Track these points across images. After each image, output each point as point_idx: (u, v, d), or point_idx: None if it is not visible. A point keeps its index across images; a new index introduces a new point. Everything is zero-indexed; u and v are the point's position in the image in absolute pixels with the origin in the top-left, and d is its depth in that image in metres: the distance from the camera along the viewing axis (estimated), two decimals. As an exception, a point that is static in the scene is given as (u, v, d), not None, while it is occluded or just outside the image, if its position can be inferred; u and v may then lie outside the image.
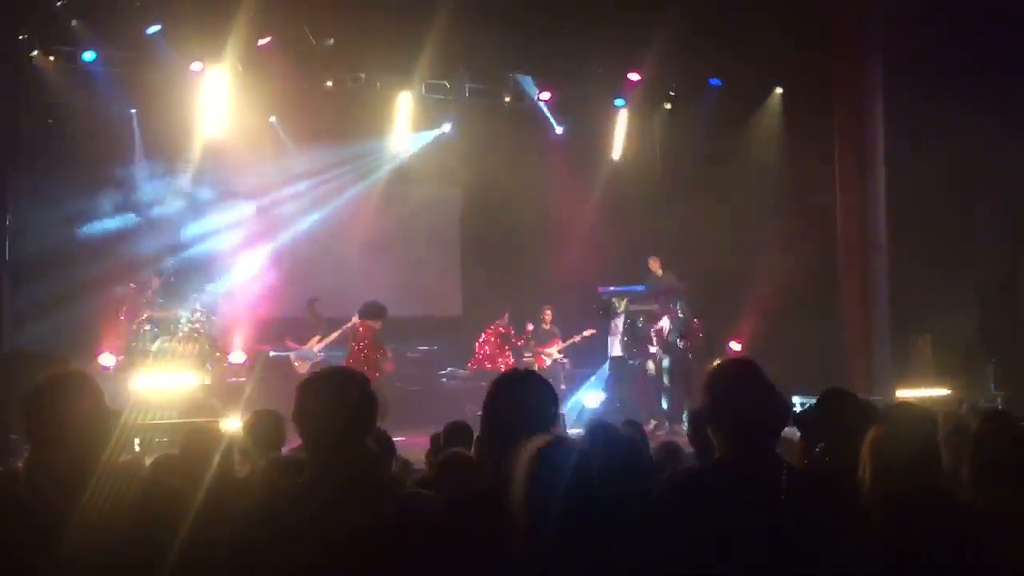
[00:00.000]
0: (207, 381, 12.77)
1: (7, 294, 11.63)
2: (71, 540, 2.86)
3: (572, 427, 13.05)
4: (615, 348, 13.99)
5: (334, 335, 13.38)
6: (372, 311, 12.17)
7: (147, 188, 14.24)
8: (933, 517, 3.21)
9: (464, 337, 16.04)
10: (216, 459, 5.23)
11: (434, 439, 6.44)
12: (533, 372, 3.44)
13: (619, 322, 14.00)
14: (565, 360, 15.19)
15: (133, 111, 14.36)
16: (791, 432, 4.88)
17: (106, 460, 3.03)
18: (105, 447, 3.04)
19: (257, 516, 3.07)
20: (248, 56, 13.84)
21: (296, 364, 13.60)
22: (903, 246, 14.06)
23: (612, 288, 16.11)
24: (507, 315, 15.32)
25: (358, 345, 12.08)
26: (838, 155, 14.78)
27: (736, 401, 3.27)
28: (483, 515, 3.06)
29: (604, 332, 15.07)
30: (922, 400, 11.12)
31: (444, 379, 15.23)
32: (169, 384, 12.07)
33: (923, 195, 13.77)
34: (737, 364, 3.50)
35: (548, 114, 16.49)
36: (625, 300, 13.91)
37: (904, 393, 12.14)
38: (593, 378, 15.04)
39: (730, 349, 14.83)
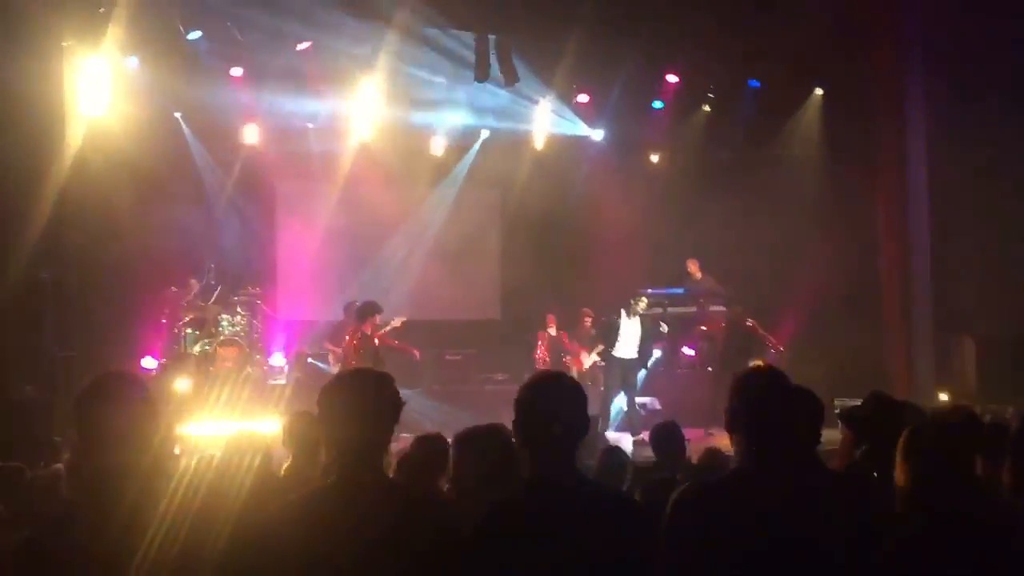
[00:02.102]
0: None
1: (50, 298, 11.75)
2: (113, 539, 2.89)
3: (612, 431, 13.05)
4: (626, 350, 13.73)
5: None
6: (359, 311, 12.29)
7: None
8: (968, 518, 3.16)
9: (503, 340, 16.06)
10: (256, 461, 5.27)
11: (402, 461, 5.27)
12: (563, 375, 3.38)
13: (634, 323, 13.77)
14: (604, 363, 15.12)
15: (178, 115, 14.51)
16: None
17: (149, 461, 3.05)
18: (150, 448, 3.07)
19: (285, 519, 3.07)
20: (288, 61, 13.92)
21: (334, 367, 13.63)
22: (946, 247, 13.92)
23: (650, 290, 16.05)
24: (554, 319, 15.17)
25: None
26: (879, 155, 14.66)
27: (756, 409, 3.24)
28: (512, 520, 3.06)
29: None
30: (964, 403, 10.98)
31: (482, 383, 15.23)
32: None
33: (966, 194, 13.61)
34: (758, 372, 3.44)
35: (583, 117, 16.50)
36: (643, 300, 13.69)
37: (946, 396, 12.02)
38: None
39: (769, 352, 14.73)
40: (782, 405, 3.23)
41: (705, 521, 3.07)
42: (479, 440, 4.56)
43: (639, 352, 13.55)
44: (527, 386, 3.24)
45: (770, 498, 3.07)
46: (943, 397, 12.47)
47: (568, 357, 14.88)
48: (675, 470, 6.15)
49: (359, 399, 3.12)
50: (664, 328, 13.91)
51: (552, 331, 15.10)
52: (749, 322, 14.08)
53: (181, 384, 12.67)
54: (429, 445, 5.23)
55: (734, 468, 3.26)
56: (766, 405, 3.21)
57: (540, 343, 15.04)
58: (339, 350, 13.58)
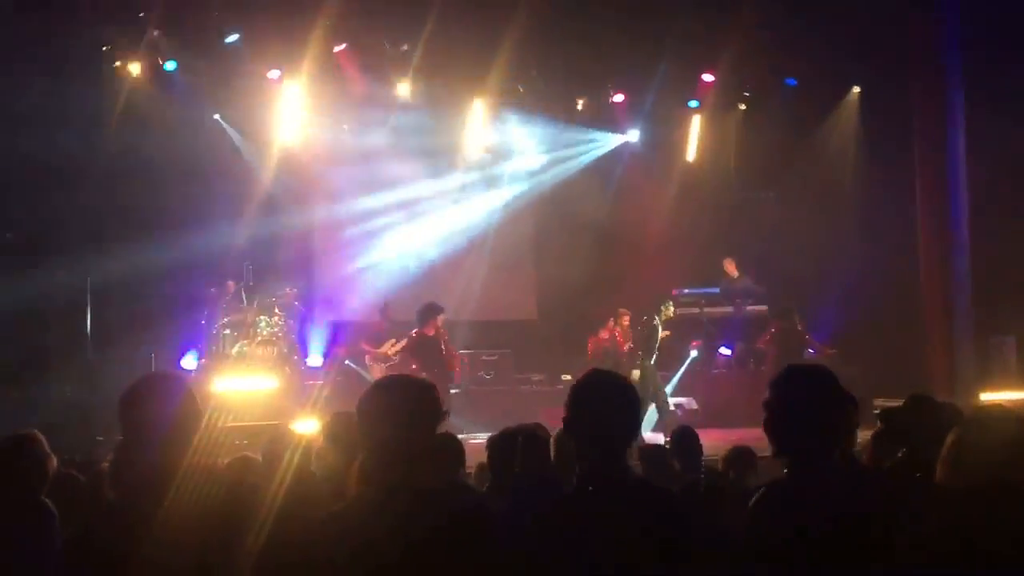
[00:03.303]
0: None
1: (92, 300, 11.90)
2: (155, 538, 2.92)
3: (647, 431, 13.01)
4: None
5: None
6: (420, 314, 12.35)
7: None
8: (1013, 512, 3.12)
9: (539, 341, 16.07)
10: (295, 461, 5.30)
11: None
12: (616, 374, 3.36)
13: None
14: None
15: (216, 116, 14.62)
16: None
17: (191, 460, 3.08)
18: (192, 448, 3.10)
19: (324, 523, 3.08)
20: (324, 63, 14.00)
21: (372, 368, 13.68)
22: (987, 245, 13.76)
23: (687, 291, 16.02)
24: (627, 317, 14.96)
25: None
26: (918, 153, 14.52)
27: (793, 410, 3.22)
28: (564, 518, 3.06)
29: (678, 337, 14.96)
30: (1008, 403, 10.84)
31: (519, 383, 15.23)
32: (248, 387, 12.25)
33: (1007, 193, 13.46)
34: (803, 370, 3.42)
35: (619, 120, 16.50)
36: (670, 306, 13.57)
37: (989, 396, 11.87)
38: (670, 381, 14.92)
39: (808, 353, 14.63)
40: (830, 406, 3.21)
41: (784, 523, 3.07)
42: (512, 440, 4.57)
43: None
44: (581, 383, 3.23)
45: (821, 499, 3.07)
46: (985, 397, 12.30)
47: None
48: (697, 472, 6.15)
49: (399, 406, 3.10)
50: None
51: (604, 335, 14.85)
52: (799, 326, 13.97)
53: (220, 384, 12.76)
54: (439, 443, 5.26)
55: (789, 472, 3.23)
56: (814, 407, 3.19)
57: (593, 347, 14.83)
58: (377, 351, 13.64)
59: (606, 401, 3.16)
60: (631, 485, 3.13)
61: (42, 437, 4.10)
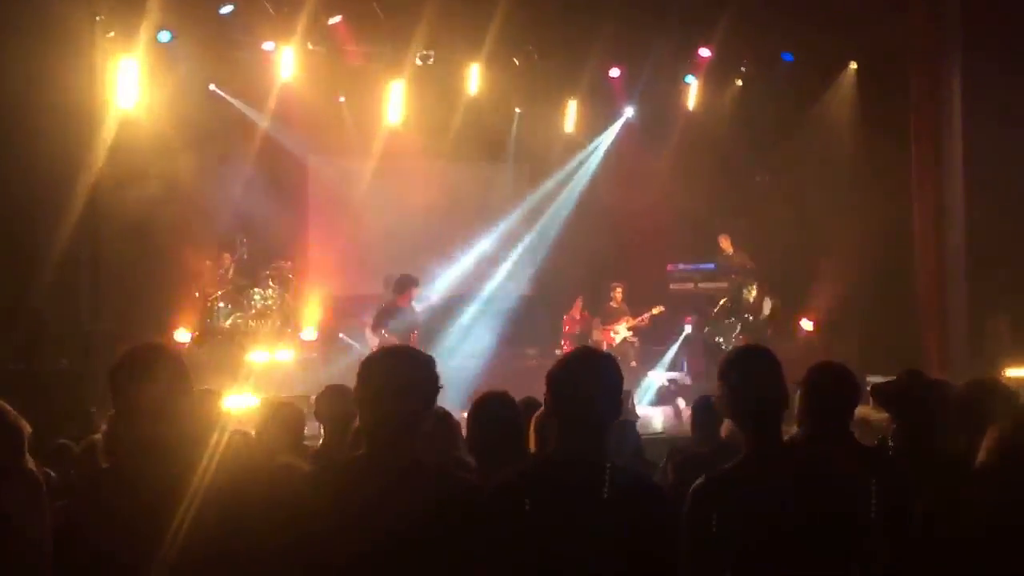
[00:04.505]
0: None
1: (85, 273, 11.87)
2: (146, 507, 2.93)
3: (642, 405, 13.06)
4: None
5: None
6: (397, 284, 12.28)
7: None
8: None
9: (533, 315, 16.08)
10: (289, 433, 5.31)
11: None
12: (597, 350, 3.35)
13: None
14: (635, 338, 15.11)
15: (212, 86, 14.53)
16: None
17: (183, 432, 3.09)
18: (183, 420, 3.10)
19: (311, 489, 3.09)
20: (319, 35, 13.93)
21: (370, 341, 13.67)
22: (981, 222, 13.76)
23: (681, 266, 16.03)
24: (580, 300, 15.21)
25: None
26: (914, 130, 14.50)
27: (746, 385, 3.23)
28: (523, 495, 3.06)
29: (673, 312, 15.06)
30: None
31: (512, 358, 15.24)
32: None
33: (1003, 168, 13.44)
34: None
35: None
36: (754, 287, 13.77)
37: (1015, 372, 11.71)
38: (664, 356, 14.98)
39: (801, 327, 14.69)
40: (770, 386, 3.22)
41: (719, 511, 3.07)
42: (487, 407, 4.59)
43: None
44: (561, 361, 3.21)
45: (783, 479, 3.08)
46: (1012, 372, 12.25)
47: (595, 335, 14.84)
48: (711, 445, 6.15)
49: (396, 375, 3.12)
50: None
51: (577, 315, 15.06)
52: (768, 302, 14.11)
53: (213, 357, 12.77)
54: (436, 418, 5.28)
55: (745, 454, 3.23)
56: (758, 389, 3.20)
57: (567, 326, 15.01)
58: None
59: (583, 377, 3.13)
60: (601, 465, 3.08)
61: (5, 406, 4.07)
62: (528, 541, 2.97)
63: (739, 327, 14.07)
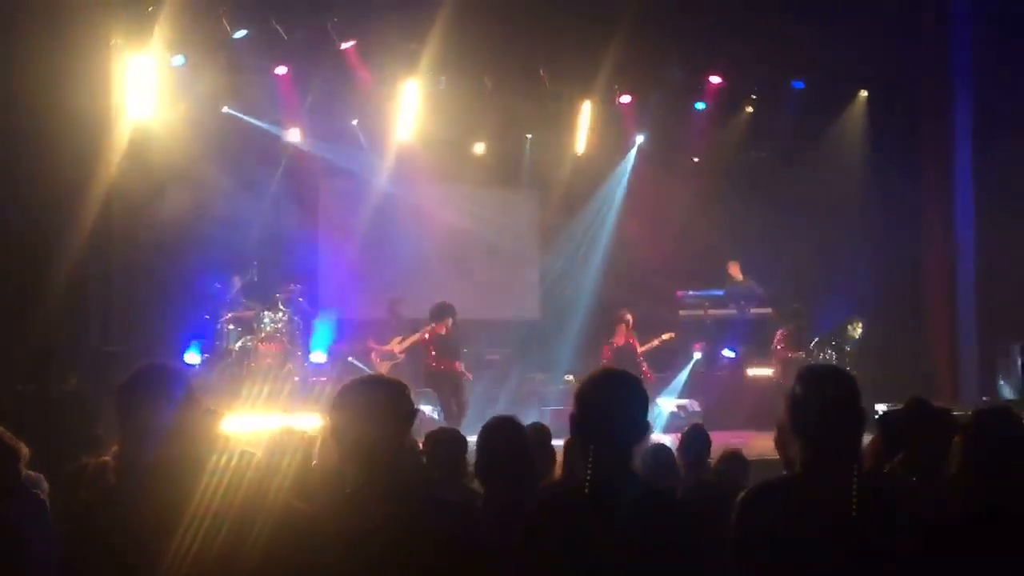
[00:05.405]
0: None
1: (95, 294, 11.91)
2: (152, 528, 2.94)
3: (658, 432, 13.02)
4: None
5: (415, 336, 13.40)
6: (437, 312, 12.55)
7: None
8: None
9: (542, 340, 16.08)
10: (298, 458, 5.31)
11: None
12: (623, 373, 3.27)
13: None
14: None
15: (226, 108, 14.58)
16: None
17: (190, 454, 3.10)
18: (190, 442, 3.11)
19: (299, 525, 3.09)
20: (332, 59, 14.01)
21: (377, 365, 13.69)
22: (992, 250, 13.75)
23: (691, 293, 16.03)
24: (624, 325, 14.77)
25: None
26: (925, 157, 14.53)
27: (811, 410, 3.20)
28: (556, 518, 3.06)
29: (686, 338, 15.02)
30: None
31: (521, 383, 15.22)
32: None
33: (1013, 196, 13.44)
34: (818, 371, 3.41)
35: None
36: (859, 325, 13.77)
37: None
38: (673, 383, 14.93)
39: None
40: (846, 409, 3.20)
41: (770, 520, 3.05)
42: (495, 433, 4.59)
43: None
44: (587, 381, 3.19)
45: (829, 499, 3.05)
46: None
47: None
48: (702, 472, 6.15)
49: (368, 406, 3.09)
50: None
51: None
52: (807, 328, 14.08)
53: (222, 379, 12.78)
54: (441, 440, 5.28)
55: (797, 469, 3.21)
56: (831, 409, 3.16)
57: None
58: (383, 348, 13.66)
59: (609, 399, 3.11)
60: (629, 487, 3.07)
61: (1, 429, 4.09)
62: (561, 566, 2.97)
63: (835, 358, 13.96)
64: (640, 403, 3.14)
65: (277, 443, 5.29)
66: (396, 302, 14.15)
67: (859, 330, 13.94)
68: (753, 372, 14.78)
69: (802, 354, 13.69)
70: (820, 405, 3.13)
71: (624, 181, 17.01)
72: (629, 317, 14.52)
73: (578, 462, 3.19)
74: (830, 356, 13.91)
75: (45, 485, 4.73)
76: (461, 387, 12.68)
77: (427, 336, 12.72)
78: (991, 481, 3.29)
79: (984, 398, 12.88)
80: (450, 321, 12.62)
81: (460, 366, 12.81)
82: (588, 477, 3.07)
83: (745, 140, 16.72)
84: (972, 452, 3.41)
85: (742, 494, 3.16)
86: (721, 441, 7.26)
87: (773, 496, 3.15)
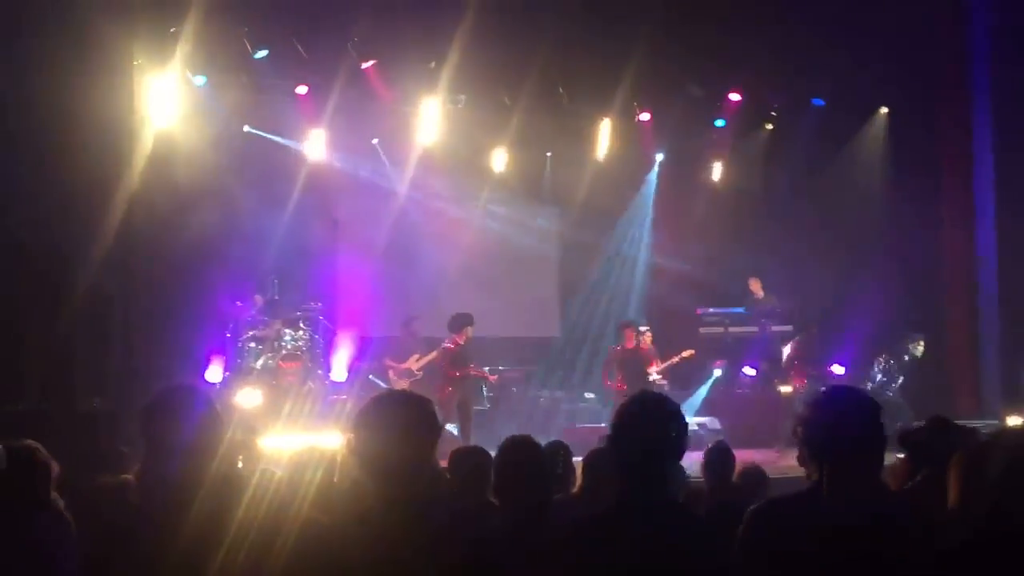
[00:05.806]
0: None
1: (117, 311, 11.97)
2: (179, 549, 2.96)
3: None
4: None
5: (432, 354, 13.43)
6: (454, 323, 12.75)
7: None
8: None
9: (562, 357, 16.08)
10: (319, 475, 5.32)
11: None
12: (662, 396, 3.34)
13: None
14: (664, 381, 15.02)
15: (247, 127, 14.67)
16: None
17: (214, 473, 3.12)
18: (214, 460, 3.13)
19: (322, 538, 3.09)
20: (352, 78, 14.08)
21: (395, 383, 13.72)
22: (1013, 266, 13.68)
23: (711, 310, 15.99)
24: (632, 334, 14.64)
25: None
26: (945, 174, 14.48)
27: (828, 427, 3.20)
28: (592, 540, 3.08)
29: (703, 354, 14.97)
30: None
31: (541, 400, 15.23)
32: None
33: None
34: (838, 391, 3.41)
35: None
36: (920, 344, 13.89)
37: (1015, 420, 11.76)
38: (692, 399, 14.90)
39: (832, 373, 14.57)
40: (861, 426, 3.20)
41: (777, 535, 3.08)
42: (513, 451, 4.59)
43: None
44: (626, 405, 3.23)
45: (838, 515, 3.06)
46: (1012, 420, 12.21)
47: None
48: (727, 491, 6.12)
49: (395, 421, 3.07)
50: None
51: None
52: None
53: (244, 398, 12.83)
54: (466, 458, 5.29)
55: (809, 485, 3.22)
56: (846, 425, 3.17)
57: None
58: (401, 366, 13.70)
59: (653, 420, 3.16)
60: (662, 509, 3.12)
61: (38, 445, 4.12)
62: None
63: (901, 379, 13.94)
64: (678, 424, 3.19)
65: (300, 460, 5.32)
66: (411, 320, 14.19)
67: (920, 348, 13.89)
68: (784, 389, 14.69)
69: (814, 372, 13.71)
70: (829, 424, 3.16)
71: (649, 201, 17.03)
72: (648, 335, 14.53)
73: (609, 480, 3.22)
74: (891, 368, 13.88)
75: (61, 503, 4.76)
76: (470, 396, 12.87)
77: (451, 347, 12.77)
78: (1005, 504, 3.27)
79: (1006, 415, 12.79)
80: (469, 330, 12.78)
81: (476, 370, 13.08)
82: (623, 497, 3.12)
83: (765, 157, 16.69)
84: (985, 476, 3.39)
85: (753, 507, 3.20)
86: (740, 459, 7.24)
87: (783, 511, 3.18)
